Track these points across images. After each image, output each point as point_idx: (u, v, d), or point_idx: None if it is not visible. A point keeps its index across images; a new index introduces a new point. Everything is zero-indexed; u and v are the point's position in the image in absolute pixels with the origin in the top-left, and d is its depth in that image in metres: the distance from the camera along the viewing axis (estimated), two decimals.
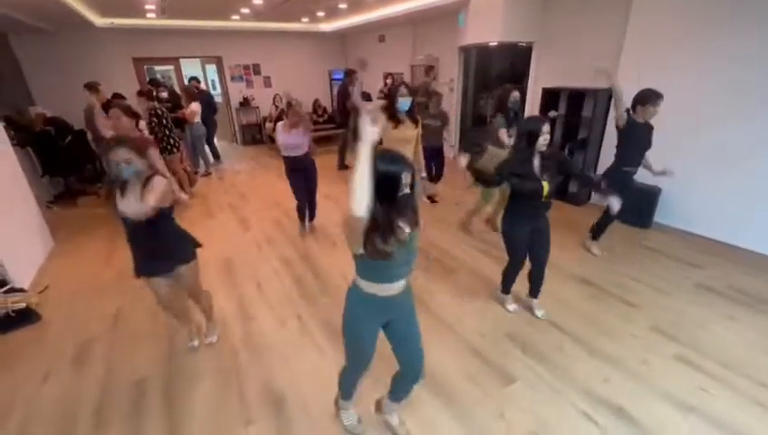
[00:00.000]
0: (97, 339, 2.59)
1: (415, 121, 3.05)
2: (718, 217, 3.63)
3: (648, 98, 2.86)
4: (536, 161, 2.22)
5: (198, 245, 2.23)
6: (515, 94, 3.39)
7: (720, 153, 3.52)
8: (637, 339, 2.43)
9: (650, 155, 3.11)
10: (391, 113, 2.96)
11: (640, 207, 3.95)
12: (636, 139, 3.01)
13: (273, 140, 8.17)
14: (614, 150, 3.19)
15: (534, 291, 2.67)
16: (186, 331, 2.50)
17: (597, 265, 3.30)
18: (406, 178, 1.27)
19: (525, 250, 2.49)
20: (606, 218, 3.32)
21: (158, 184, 1.86)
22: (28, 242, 3.60)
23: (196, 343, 2.48)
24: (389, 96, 3.03)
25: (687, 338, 2.41)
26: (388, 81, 7.27)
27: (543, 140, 2.14)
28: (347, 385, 1.78)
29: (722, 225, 3.61)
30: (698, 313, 2.66)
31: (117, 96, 5.32)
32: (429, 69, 6.31)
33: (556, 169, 2.26)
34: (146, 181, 1.86)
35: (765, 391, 2.02)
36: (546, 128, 2.13)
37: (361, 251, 1.29)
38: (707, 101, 3.49)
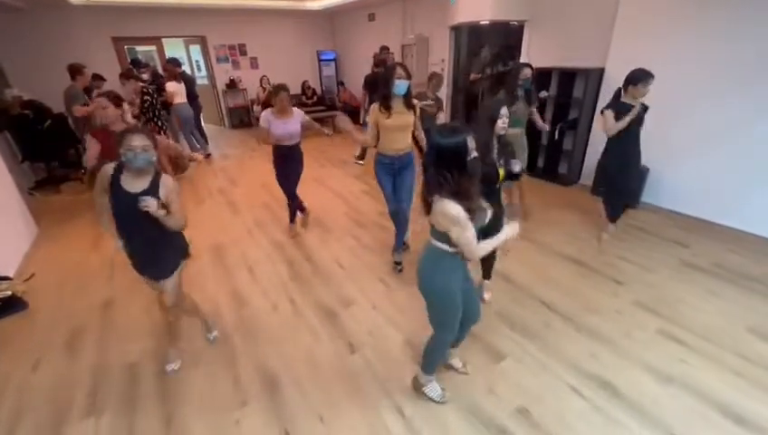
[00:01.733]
0: (87, 326, 2.57)
1: (411, 107, 2.65)
2: (704, 197, 3.69)
3: (638, 78, 2.83)
4: (495, 145, 2.16)
5: (188, 254, 2.09)
6: (526, 71, 3.18)
7: (706, 133, 3.55)
8: (621, 315, 2.49)
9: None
10: (385, 98, 2.58)
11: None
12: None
13: None
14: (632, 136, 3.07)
15: (487, 272, 2.67)
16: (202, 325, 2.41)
17: (586, 244, 3.35)
18: (471, 142, 1.38)
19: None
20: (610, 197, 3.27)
21: (172, 186, 1.82)
22: (11, 230, 3.51)
23: (215, 333, 2.40)
24: (384, 78, 2.59)
25: (670, 313, 2.49)
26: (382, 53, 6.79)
27: (502, 123, 2.11)
28: (438, 357, 1.86)
29: (708, 204, 3.68)
30: (682, 288, 2.73)
31: (96, 77, 5.12)
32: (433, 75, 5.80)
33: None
34: (155, 178, 1.79)
35: (743, 362, 2.10)
36: (505, 111, 2.11)
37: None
38: (696, 79, 3.49)
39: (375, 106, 2.65)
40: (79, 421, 1.90)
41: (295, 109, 3.28)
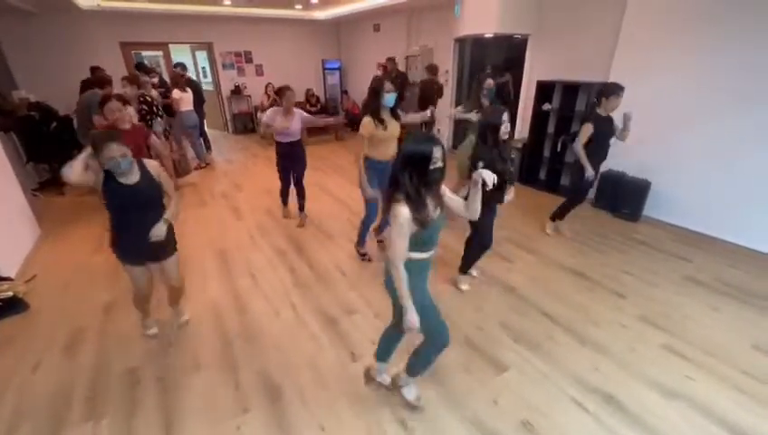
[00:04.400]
0: (88, 328, 2.55)
1: (397, 118, 2.89)
2: (706, 212, 3.71)
3: (611, 90, 3.03)
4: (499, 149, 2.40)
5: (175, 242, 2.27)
6: (489, 82, 3.55)
7: (708, 147, 3.58)
8: (625, 328, 2.48)
9: (640, 148, 3.16)
10: (375, 110, 2.75)
11: (630, 200, 4.02)
12: (601, 131, 3.13)
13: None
14: (606, 145, 3.23)
15: (465, 267, 2.90)
16: (143, 320, 2.48)
17: (588, 257, 3.36)
18: (437, 152, 1.43)
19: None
20: (570, 200, 3.55)
21: (158, 167, 2.04)
22: (13, 230, 3.51)
23: (155, 329, 2.48)
24: (375, 92, 2.78)
25: (674, 328, 2.48)
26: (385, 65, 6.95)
27: (505, 128, 2.34)
28: (424, 365, 1.83)
29: (709, 219, 3.69)
30: (685, 303, 2.73)
31: (95, 69, 5.14)
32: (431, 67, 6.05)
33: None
34: (142, 168, 1.97)
35: (746, 379, 2.09)
36: (506, 117, 2.34)
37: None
38: (700, 95, 3.53)
39: (369, 120, 2.78)
40: (77, 425, 1.88)
41: (296, 109, 3.59)
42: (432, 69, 5.76)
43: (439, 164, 1.45)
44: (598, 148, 3.19)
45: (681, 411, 1.90)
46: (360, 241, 3.34)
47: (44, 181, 5.25)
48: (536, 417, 1.87)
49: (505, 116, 2.33)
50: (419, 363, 1.82)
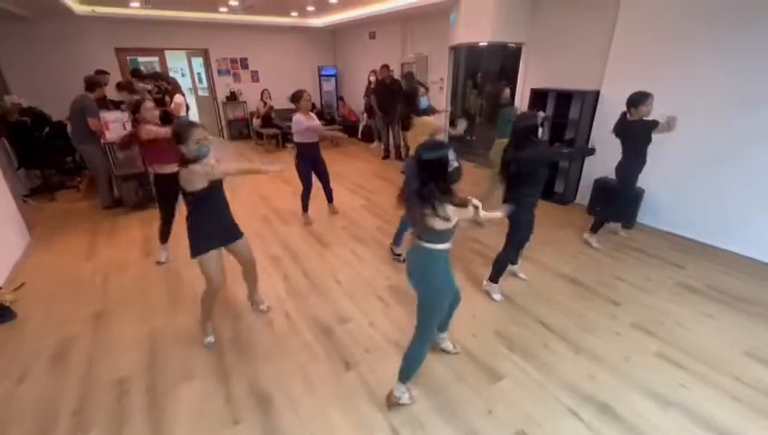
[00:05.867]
0: (77, 338, 2.51)
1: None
2: (699, 219, 3.73)
3: (639, 100, 3.09)
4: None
5: None
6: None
7: (703, 155, 3.61)
8: (620, 336, 2.48)
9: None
10: (417, 112, 3.16)
11: (624, 207, 4.04)
12: (639, 137, 3.21)
13: (260, 135, 8.08)
14: (602, 151, 3.25)
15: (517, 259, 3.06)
16: (203, 326, 2.47)
17: (583, 264, 3.36)
18: (451, 154, 1.54)
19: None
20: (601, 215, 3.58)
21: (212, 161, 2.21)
22: (2, 237, 3.45)
23: (213, 338, 2.46)
24: (411, 98, 3.17)
25: (668, 335, 2.48)
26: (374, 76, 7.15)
27: (540, 132, 2.50)
28: (418, 363, 1.87)
29: (703, 226, 3.72)
30: (679, 311, 2.74)
31: (100, 72, 5.12)
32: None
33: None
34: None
35: (740, 386, 2.09)
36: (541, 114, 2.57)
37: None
38: (691, 103, 3.57)
39: (429, 118, 3.20)
40: None
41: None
42: (409, 76, 6.05)
43: (455, 164, 1.55)
44: (633, 150, 3.31)
45: (676, 420, 1.90)
46: (396, 240, 3.35)
47: (36, 187, 5.19)
48: (531, 427, 1.86)
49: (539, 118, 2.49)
50: (409, 365, 1.87)
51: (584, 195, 4.61)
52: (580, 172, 4.71)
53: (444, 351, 2.30)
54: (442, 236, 1.65)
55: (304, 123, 3.74)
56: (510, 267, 2.99)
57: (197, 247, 2.20)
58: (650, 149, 3.26)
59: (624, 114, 3.25)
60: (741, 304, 2.81)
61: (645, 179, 3.81)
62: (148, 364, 2.28)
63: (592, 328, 2.56)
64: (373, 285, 3.05)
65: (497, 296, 2.85)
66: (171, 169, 3.08)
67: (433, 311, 1.80)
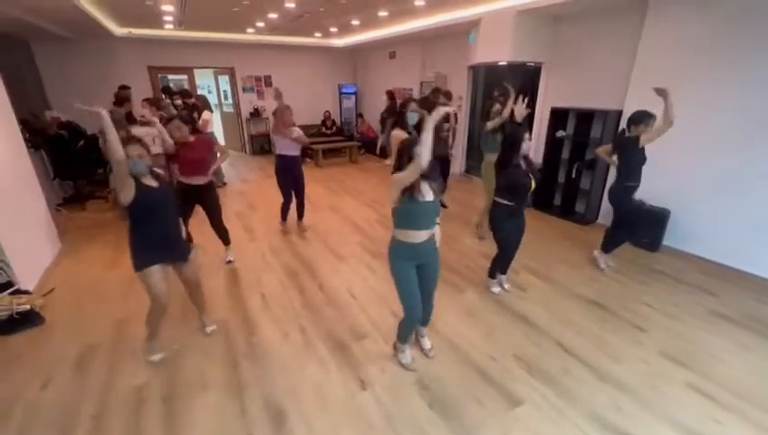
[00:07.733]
0: (100, 344, 2.57)
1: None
2: (729, 243, 3.58)
3: (640, 119, 3.04)
4: (522, 163, 2.70)
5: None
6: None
7: (731, 177, 3.49)
8: (647, 365, 2.37)
9: (658, 176, 3.12)
10: (401, 127, 3.41)
11: (649, 229, 3.92)
12: (632, 155, 3.12)
13: None
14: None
15: (506, 268, 3.16)
16: (149, 344, 2.43)
17: (605, 286, 3.25)
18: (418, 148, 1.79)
19: (515, 240, 2.98)
20: (617, 234, 3.42)
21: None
22: (36, 244, 3.62)
23: (159, 355, 2.42)
24: (400, 111, 3.38)
25: (698, 365, 2.35)
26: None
27: (526, 147, 2.66)
28: (407, 332, 2.25)
29: (733, 250, 3.56)
30: (710, 340, 2.60)
31: (123, 87, 5.38)
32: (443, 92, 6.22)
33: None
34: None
35: None
36: (527, 135, 2.66)
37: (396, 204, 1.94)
38: (719, 125, 3.48)
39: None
40: None
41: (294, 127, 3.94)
42: (435, 91, 5.98)
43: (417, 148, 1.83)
44: (628, 169, 3.23)
45: None
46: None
47: (68, 197, 5.44)
48: None
49: (527, 133, 2.66)
50: (406, 328, 2.22)
51: (606, 215, 4.50)
52: (602, 192, 4.61)
53: (422, 349, 2.44)
54: (400, 215, 1.97)
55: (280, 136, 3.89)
56: (498, 276, 3.17)
57: (140, 261, 2.12)
58: (679, 169, 3.18)
59: (623, 131, 3.22)
60: None
61: (672, 200, 3.70)
62: (166, 375, 2.30)
63: (616, 354, 2.45)
64: (388, 301, 3.02)
65: (496, 289, 3.15)
66: (198, 180, 3.27)
67: (401, 291, 2.10)
